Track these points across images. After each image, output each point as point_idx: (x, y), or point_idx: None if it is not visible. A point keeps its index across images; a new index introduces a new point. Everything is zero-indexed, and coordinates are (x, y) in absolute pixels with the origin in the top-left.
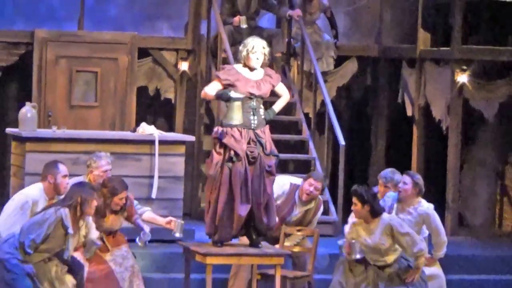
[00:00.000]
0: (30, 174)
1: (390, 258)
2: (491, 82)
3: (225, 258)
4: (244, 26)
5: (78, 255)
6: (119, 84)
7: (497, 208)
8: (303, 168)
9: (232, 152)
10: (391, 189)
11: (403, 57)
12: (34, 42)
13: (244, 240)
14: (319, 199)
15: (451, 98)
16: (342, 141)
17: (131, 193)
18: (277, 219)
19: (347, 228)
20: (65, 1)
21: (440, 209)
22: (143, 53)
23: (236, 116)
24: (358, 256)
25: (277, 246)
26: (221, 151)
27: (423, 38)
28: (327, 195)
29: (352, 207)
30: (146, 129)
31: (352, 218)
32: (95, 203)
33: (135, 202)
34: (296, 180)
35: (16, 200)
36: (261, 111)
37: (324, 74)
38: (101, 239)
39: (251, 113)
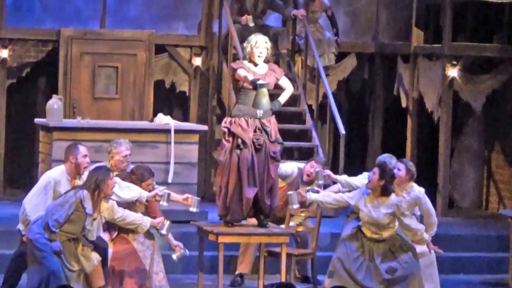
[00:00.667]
0: (56, 160)
1: (386, 234)
2: (479, 76)
3: (235, 237)
4: (251, 24)
5: (104, 236)
6: (138, 78)
7: (484, 191)
8: (306, 155)
9: (239, 140)
10: None
11: (398, 53)
12: (60, 40)
13: (252, 221)
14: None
15: (442, 90)
16: (342, 130)
17: None
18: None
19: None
20: (88, 2)
21: (432, 192)
22: (160, 49)
23: (263, 100)
24: (295, 207)
25: (282, 226)
26: (230, 139)
27: (417, 35)
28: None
29: (370, 175)
30: (163, 119)
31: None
32: (111, 182)
33: (153, 182)
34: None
35: (40, 181)
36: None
37: (326, 69)
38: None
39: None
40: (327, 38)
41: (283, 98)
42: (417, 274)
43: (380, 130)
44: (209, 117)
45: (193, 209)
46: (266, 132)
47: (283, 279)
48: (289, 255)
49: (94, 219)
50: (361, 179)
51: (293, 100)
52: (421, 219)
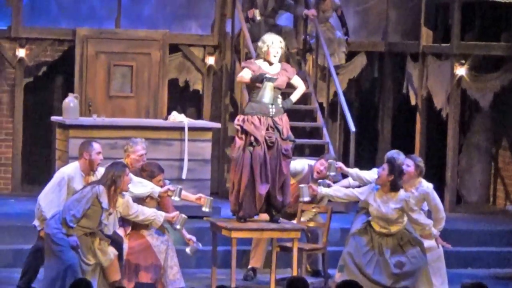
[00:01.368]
0: (73, 157)
1: (394, 228)
2: (486, 74)
3: (248, 232)
4: (258, 17)
5: (120, 231)
6: (152, 76)
7: (491, 187)
8: (317, 152)
9: (252, 138)
10: None
11: (407, 52)
12: (76, 39)
13: (264, 216)
14: (330, 178)
15: (450, 89)
16: (352, 128)
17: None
18: (292, 198)
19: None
20: (104, 2)
21: (440, 188)
22: (174, 48)
23: (267, 94)
24: (306, 199)
25: (294, 221)
26: (243, 136)
27: (426, 35)
28: (339, 176)
29: (379, 170)
30: (177, 117)
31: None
32: (127, 179)
33: (167, 181)
34: (313, 163)
35: (54, 178)
36: (279, 100)
37: (336, 67)
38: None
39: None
40: (337, 37)
41: (295, 96)
42: (425, 269)
43: (390, 128)
44: (222, 115)
45: (206, 209)
46: (278, 130)
47: (295, 273)
48: (300, 250)
49: (110, 214)
50: (372, 174)
51: (304, 98)
52: (429, 214)
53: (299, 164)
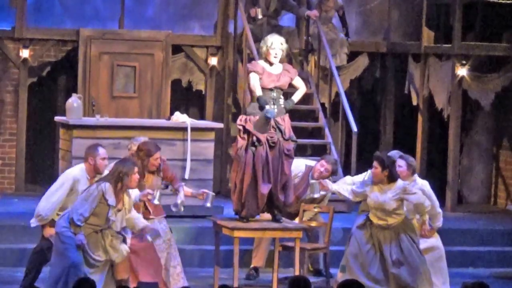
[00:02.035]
0: (76, 157)
1: (391, 220)
2: (488, 75)
3: (250, 232)
4: (260, 17)
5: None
6: (155, 77)
7: (492, 187)
8: (319, 152)
9: (254, 138)
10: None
11: (409, 52)
12: (80, 40)
13: (267, 216)
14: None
15: (451, 89)
16: (354, 128)
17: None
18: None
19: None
20: (107, 2)
21: (441, 187)
22: (177, 49)
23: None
24: (316, 195)
25: (296, 220)
26: (245, 136)
27: (427, 35)
28: (341, 175)
29: (372, 170)
30: (180, 117)
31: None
32: (135, 177)
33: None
34: (311, 162)
35: (59, 179)
36: (281, 101)
37: (338, 68)
38: (144, 204)
39: (272, 103)
40: (340, 38)
41: (296, 97)
42: (425, 268)
43: (392, 127)
44: (224, 115)
45: (208, 204)
46: (280, 130)
47: (297, 273)
48: (302, 249)
49: (118, 210)
50: (365, 176)
51: (306, 98)
52: None
53: (298, 164)
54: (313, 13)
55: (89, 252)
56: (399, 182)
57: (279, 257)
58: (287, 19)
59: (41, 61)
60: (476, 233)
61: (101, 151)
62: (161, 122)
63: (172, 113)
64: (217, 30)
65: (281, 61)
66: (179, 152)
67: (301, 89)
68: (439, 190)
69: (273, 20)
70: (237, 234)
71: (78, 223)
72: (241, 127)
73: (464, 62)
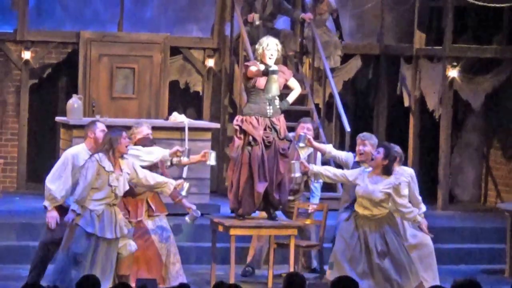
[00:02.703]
0: None
1: (376, 211)
2: (478, 76)
3: (246, 229)
4: (257, 22)
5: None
6: (154, 78)
7: (483, 186)
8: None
9: (250, 138)
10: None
11: (401, 54)
12: (80, 42)
13: (263, 214)
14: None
15: (443, 90)
16: (348, 128)
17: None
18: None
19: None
20: (107, 5)
21: (433, 186)
22: (175, 51)
23: (274, 86)
24: (297, 175)
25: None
26: (242, 136)
27: (419, 38)
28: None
29: (375, 155)
30: (178, 118)
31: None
32: (125, 141)
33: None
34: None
35: (59, 160)
36: (276, 102)
37: (332, 70)
38: (146, 200)
39: (267, 103)
40: (334, 40)
41: (291, 98)
42: (409, 261)
43: (384, 128)
44: (221, 115)
45: (210, 163)
46: (276, 130)
47: (292, 269)
48: (297, 247)
49: (120, 176)
50: (347, 154)
51: (301, 99)
52: None
53: None
54: (308, 16)
55: (100, 230)
56: (392, 178)
57: (275, 254)
58: (282, 22)
59: (42, 63)
60: (467, 230)
61: (99, 124)
62: (159, 122)
63: (170, 114)
64: (214, 33)
65: (276, 63)
66: None
67: (296, 90)
68: (431, 188)
69: (269, 23)
70: (233, 231)
71: (77, 210)
72: (237, 127)
73: (455, 64)
